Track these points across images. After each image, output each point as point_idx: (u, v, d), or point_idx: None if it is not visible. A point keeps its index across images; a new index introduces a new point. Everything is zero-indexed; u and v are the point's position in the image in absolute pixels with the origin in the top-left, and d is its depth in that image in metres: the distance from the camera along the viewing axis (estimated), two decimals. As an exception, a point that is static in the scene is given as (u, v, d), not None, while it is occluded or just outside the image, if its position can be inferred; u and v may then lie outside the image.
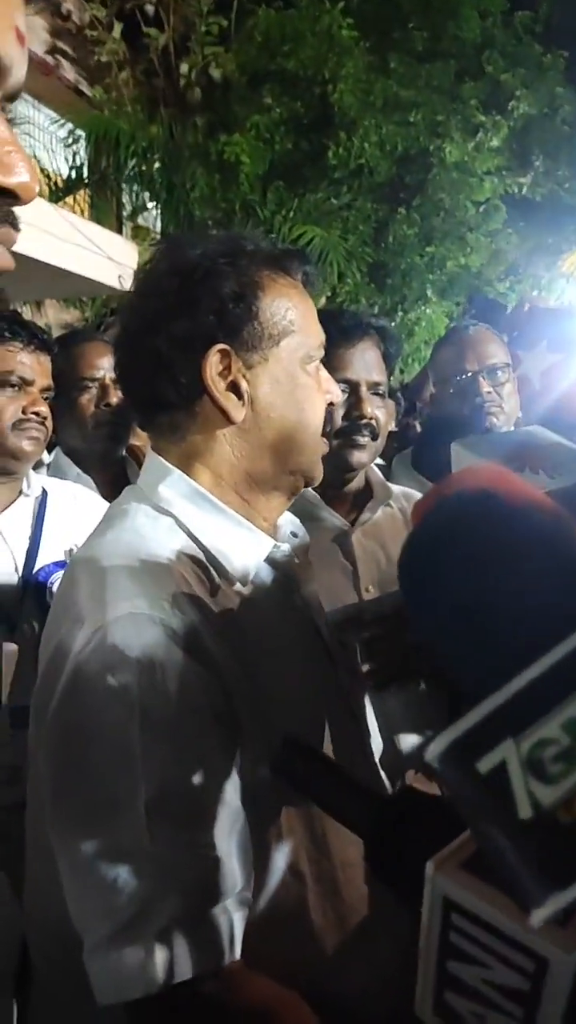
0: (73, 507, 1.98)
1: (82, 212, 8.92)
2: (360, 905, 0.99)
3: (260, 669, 0.95)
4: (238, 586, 1.00)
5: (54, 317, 9.01)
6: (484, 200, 9.01)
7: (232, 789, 0.87)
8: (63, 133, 8.95)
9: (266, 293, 1.00)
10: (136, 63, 9.54)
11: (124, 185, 9.15)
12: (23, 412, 1.80)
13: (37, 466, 2.28)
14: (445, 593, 0.44)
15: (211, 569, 0.98)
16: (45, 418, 1.85)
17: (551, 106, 9.23)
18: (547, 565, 0.40)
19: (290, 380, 1.02)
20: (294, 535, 1.18)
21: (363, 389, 1.60)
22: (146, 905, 0.79)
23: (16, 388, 1.81)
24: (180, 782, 0.83)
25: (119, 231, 9.33)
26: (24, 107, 9.39)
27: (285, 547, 1.09)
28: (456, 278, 9.13)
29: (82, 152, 8.92)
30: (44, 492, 1.96)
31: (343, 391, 1.56)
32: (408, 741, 1.45)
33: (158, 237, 9.58)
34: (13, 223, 0.55)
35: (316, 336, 1.05)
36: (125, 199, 9.60)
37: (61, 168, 9.00)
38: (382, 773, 1.24)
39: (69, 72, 9.83)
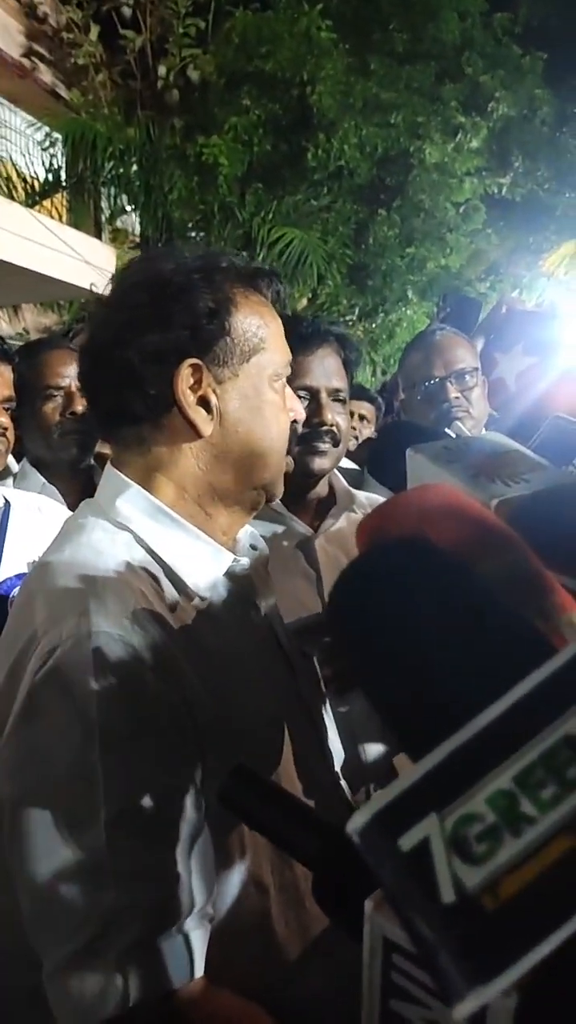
0: (37, 519, 1.94)
1: (60, 216, 8.85)
2: (322, 914, 0.99)
3: (221, 683, 0.94)
4: (197, 601, 0.99)
5: (32, 321, 8.95)
6: (464, 201, 9.05)
7: (193, 805, 0.86)
8: (40, 136, 8.89)
9: (239, 310, 1.00)
10: (113, 65, 9.50)
11: (102, 188, 9.09)
12: None
13: (4, 476, 2.24)
14: (371, 645, 0.41)
15: (170, 584, 0.97)
16: (6, 429, 1.81)
17: (530, 107, 9.30)
18: (468, 626, 0.38)
19: (258, 396, 1.02)
20: (253, 548, 1.17)
21: (323, 396, 1.59)
22: (107, 926, 0.78)
23: (-26, 400, 1.77)
24: (141, 801, 0.82)
25: (98, 235, 9.28)
26: (0, 110, 9.33)
27: (244, 561, 1.09)
28: (437, 279, 9.16)
29: (59, 155, 8.86)
30: (7, 503, 1.92)
31: (303, 398, 1.55)
32: (372, 749, 1.44)
33: (137, 240, 9.55)
34: None
35: (284, 354, 1.06)
36: (103, 202, 9.55)
37: (38, 172, 8.94)
38: (343, 783, 1.22)
39: (46, 75, 9.75)
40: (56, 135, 8.74)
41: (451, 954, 0.33)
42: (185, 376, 0.96)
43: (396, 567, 0.42)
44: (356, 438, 3.29)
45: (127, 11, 9.10)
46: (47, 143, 8.82)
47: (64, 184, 9.00)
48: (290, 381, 1.12)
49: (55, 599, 0.90)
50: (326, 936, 0.97)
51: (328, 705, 1.26)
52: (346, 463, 2.13)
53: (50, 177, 8.88)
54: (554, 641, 0.45)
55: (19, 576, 1.81)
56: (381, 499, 1.72)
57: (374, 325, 9.38)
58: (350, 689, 1.22)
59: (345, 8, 9.08)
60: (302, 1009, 0.90)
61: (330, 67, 8.48)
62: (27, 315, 8.86)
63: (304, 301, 9.03)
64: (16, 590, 1.77)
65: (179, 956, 0.81)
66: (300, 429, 1.55)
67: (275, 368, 1.04)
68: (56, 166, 8.87)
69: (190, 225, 8.77)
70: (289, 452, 1.09)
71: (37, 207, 8.14)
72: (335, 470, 1.71)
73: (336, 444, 1.61)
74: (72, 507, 2.06)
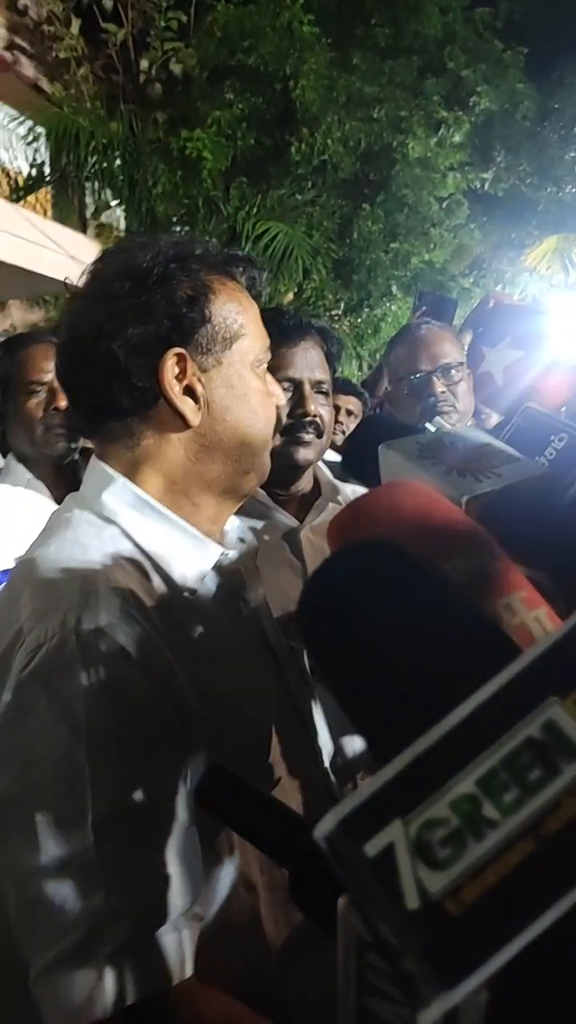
0: (23, 514, 1.92)
1: (44, 211, 8.80)
2: None
3: (208, 678, 0.93)
4: (186, 595, 0.99)
5: (19, 317, 8.90)
6: (447, 196, 9.05)
7: (181, 803, 0.86)
8: (23, 131, 8.82)
9: (218, 297, 0.99)
10: (95, 59, 9.42)
11: (86, 183, 9.03)
12: None
13: (-9, 471, 2.23)
14: (337, 650, 0.41)
15: (158, 578, 0.97)
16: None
17: (512, 102, 9.30)
18: (433, 630, 0.38)
19: (243, 383, 1.02)
20: (241, 540, 1.17)
21: (307, 387, 1.59)
22: (96, 927, 0.77)
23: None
24: (129, 800, 0.82)
25: (83, 229, 9.23)
26: (-18, 105, 9.26)
27: (232, 554, 1.08)
28: (421, 274, 9.15)
29: (43, 150, 8.79)
30: (-8, 499, 1.91)
31: (287, 389, 1.56)
32: (360, 741, 1.44)
33: (122, 235, 9.49)
34: None
35: (263, 340, 1.06)
36: (88, 197, 9.49)
37: (22, 167, 8.86)
38: (331, 776, 1.22)
39: (27, 68, 9.67)
40: (39, 129, 8.67)
41: (416, 960, 0.32)
42: (170, 366, 0.96)
43: (362, 571, 0.42)
44: (343, 432, 3.29)
45: (108, 4, 9.02)
46: (30, 138, 8.74)
47: (48, 179, 8.93)
48: (273, 373, 1.12)
49: (41, 595, 0.89)
50: (312, 934, 0.98)
51: (316, 699, 1.26)
52: (331, 455, 2.13)
53: (34, 172, 8.81)
54: (520, 637, 0.45)
55: (5, 572, 1.80)
56: (366, 491, 1.72)
57: (359, 320, 9.37)
58: None
59: (327, 2, 9.05)
60: (293, 1008, 0.90)
61: (313, 61, 8.44)
62: (14, 311, 8.80)
63: (290, 296, 9.01)
64: (3, 587, 1.76)
65: (169, 956, 0.81)
66: (284, 419, 1.55)
67: (256, 354, 1.03)
68: (40, 161, 8.80)
69: (175, 220, 8.72)
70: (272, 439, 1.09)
71: (21, 202, 8.08)
72: (320, 462, 1.71)
73: (320, 435, 1.61)
74: (58, 502, 2.04)
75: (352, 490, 1.73)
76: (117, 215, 9.80)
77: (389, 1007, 0.44)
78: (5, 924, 0.83)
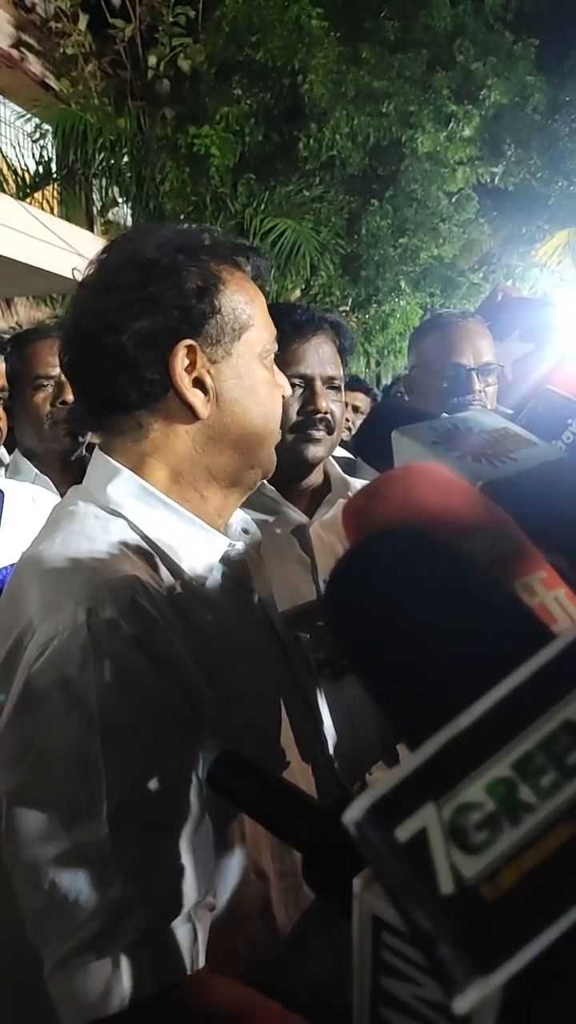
0: (31, 509, 1.93)
1: (51, 208, 8.79)
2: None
3: (217, 668, 0.93)
4: (194, 586, 0.99)
5: (25, 315, 8.90)
6: (456, 190, 9.01)
7: (194, 792, 0.86)
8: (30, 128, 8.82)
9: (227, 287, 0.98)
10: (103, 55, 9.43)
11: (93, 180, 9.03)
12: None
13: (-3, 467, 2.24)
14: (368, 634, 0.40)
15: (166, 570, 0.96)
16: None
17: (522, 95, 9.24)
18: (466, 613, 0.37)
19: (251, 375, 1.01)
20: (245, 532, 1.17)
21: (318, 383, 1.58)
22: (112, 919, 0.77)
23: (-33, 391, 1.76)
24: (143, 790, 0.82)
25: (89, 227, 9.22)
26: (-10, 101, 9.27)
27: (239, 545, 1.08)
28: (430, 269, 9.13)
29: (50, 147, 8.79)
30: (1, 494, 1.91)
31: (298, 386, 1.55)
32: (367, 730, 1.44)
33: (129, 232, 9.48)
34: None
35: (271, 331, 1.05)
36: (95, 194, 9.49)
37: (29, 164, 8.87)
38: (337, 765, 1.22)
39: (35, 65, 9.68)
40: (46, 126, 8.67)
41: (451, 945, 0.32)
42: (180, 358, 0.95)
43: (393, 555, 0.41)
44: (350, 429, 3.29)
45: (116, 0, 9.03)
46: (37, 134, 8.75)
47: (55, 176, 8.93)
48: (284, 369, 1.11)
49: (50, 588, 0.88)
50: (323, 919, 0.98)
51: (321, 689, 1.26)
52: (340, 451, 2.11)
53: (41, 169, 8.82)
54: (540, 616, 0.45)
55: (13, 566, 1.80)
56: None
57: (367, 316, 9.35)
58: (344, 674, 1.22)
59: (336, -4, 9.03)
60: (305, 993, 0.89)
61: (321, 56, 8.42)
62: (20, 309, 8.81)
63: (297, 292, 9.00)
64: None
65: (183, 946, 0.81)
66: (295, 415, 1.55)
67: (264, 345, 1.03)
68: (47, 158, 8.80)
69: (182, 216, 8.71)
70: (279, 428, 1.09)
71: (28, 199, 8.08)
72: (330, 458, 1.70)
73: (331, 432, 1.60)
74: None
75: (362, 485, 1.73)
76: (124, 212, 9.80)
77: (405, 987, 0.43)
78: (14, 918, 0.83)
